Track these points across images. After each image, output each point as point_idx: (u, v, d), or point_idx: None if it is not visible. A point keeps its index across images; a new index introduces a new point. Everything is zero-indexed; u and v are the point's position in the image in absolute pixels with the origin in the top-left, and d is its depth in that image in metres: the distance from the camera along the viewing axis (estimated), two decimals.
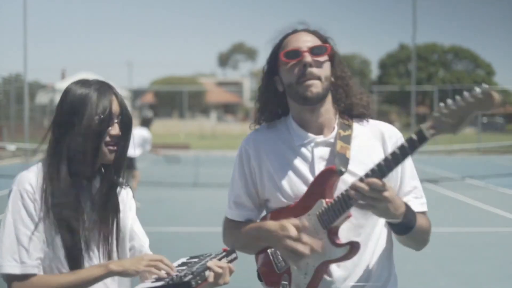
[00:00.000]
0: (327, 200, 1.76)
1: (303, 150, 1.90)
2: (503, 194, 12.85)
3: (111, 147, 1.80)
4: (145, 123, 10.96)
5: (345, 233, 1.81)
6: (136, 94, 76.39)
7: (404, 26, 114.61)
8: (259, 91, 2.00)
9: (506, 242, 7.87)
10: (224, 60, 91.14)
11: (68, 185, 1.78)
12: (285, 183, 1.88)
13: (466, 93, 1.42)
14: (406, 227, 1.73)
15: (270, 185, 1.91)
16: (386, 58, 58.49)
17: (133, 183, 10.25)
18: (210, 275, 1.69)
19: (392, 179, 1.84)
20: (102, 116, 1.77)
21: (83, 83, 1.83)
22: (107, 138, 1.79)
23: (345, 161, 1.79)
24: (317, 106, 1.87)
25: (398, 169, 1.79)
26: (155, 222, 8.79)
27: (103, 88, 1.82)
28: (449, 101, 1.45)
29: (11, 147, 19.92)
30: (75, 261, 1.78)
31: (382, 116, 54.37)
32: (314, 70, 1.84)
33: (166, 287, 1.65)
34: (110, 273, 1.73)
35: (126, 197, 1.95)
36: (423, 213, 1.89)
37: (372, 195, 1.62)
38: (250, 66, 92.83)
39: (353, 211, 1.76)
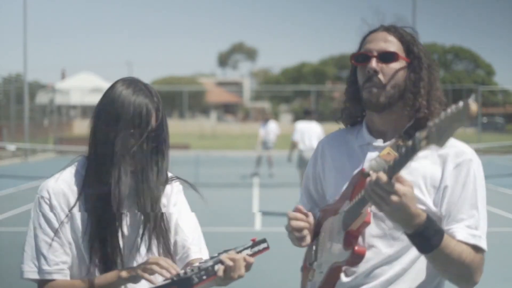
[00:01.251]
0: (351, 200, 1.73)
1: (359, 151, 1.85)
2: (503, 194, 12.86)
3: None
4: None
5: (376, 242, 1.74)
6: None
7: (404, 26, 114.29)
8: (346, 84, 1.94)
9: (506, 242, 7.88)
10: (224, 60, 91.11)
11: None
12: (331, 182, 1.89)
13: (452, 106, 1.40)
14: (424, 244, 1.58)
15: (324, 183, 1.94)
16: None
17: None
18: (219, 269, 1.62)
19: (448, 202, 1.71)
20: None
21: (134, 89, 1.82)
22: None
23: (381, 166, 1.65)
24: (383, 113, 1.79)
25: (458, 190, 1.70)
26: None
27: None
28: (442, 113, 1.41)
29: (11, 147, 19.93)
30: (109, 262, 1.79)
31: None
32: (378, 78, 1.76)
33: (168, 285, 1.63)
34: (121, 280, 1.75)
35: (170, 192, 1.90)
36: (473, 247, 1.67)
37: (377, 191, 1.50)
38: (250, 66, 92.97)
39: (387, 221, 1.71)
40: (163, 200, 1.86)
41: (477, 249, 1.67)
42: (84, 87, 46.59)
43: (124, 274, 1.73)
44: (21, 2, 22.61)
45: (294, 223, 1.82)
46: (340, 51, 61.09)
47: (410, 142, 1.42)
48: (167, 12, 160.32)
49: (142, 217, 1.80)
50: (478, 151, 13.92)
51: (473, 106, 1.31)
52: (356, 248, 1.66)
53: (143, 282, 1.77)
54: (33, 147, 21.72)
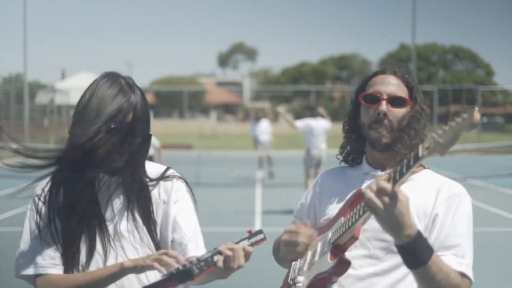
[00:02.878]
0: (344, 217, 1.76)
1: (357, 180, 1.93)
2: (503, 194, 12.87)
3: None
4: None
5: (358, 261, 1.79)
6: None
7: (404, 26, 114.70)
8: (346, 117, 2.03)
9: (506, 242, 7.89)
10: (224, 60, 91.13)
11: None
12: (326, 206, 1.95)
13: (456, 118, 1.44)
14: (413, 258, 1.60)
15: (319, 209, 2.01)
16: (387, 58, 58.53)
17: None
18: (219, 259, 1.62)
19: (437, 230, 1.79)
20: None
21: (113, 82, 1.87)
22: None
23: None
24: (389, 153, 1.89)
25: (448, 219, 1.79)
26: None
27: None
28: (448, 125, 1.44)
29: (11, 147, 19.94)
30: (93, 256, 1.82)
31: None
32: (388, 121, 1.86)
33: (169, 278, 1.63)
34: (123, 270, 1.74)
35: (171, 189, 1.90)
36: (460, 273, 1.73)
37: (377, 196, 1.54)
38: (250, 66, 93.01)
39: (371, 242, 1.79)
40: (163, 197, 1.88)
41: (463, 276, 1.73)
42: (84, 87, 46.48)
43: (127, 263, 1.73)
44: (21, 2, 22.63)
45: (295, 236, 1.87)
46: (340, 51, 61.45)
47: (413, 153, 1.48)
48: (167, 12, 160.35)
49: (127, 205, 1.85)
50: (479, 151, 14.00)
51: (477, 116, 1.37)
52: (341, 257, 1.68)
53: (144, 279, 1.80)
54: (33, 147, 21.73)
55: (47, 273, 1.79)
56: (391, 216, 1.53)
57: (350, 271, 1.73)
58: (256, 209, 10.51)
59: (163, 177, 1.90)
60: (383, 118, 1.85)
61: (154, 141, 11.21)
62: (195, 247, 1.87)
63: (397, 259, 1.70)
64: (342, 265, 1.68)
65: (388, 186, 1.51)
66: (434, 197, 1.81)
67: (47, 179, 1.87)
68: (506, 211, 10.14)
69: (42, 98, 30.97)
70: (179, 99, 47.94)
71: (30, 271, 1.80)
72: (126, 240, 1.83)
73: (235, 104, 68.40)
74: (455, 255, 1.75)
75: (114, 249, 1.82)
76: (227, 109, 67.74)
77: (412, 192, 1.71)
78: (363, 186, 1.84)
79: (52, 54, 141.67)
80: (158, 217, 1.87)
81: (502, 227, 8.85)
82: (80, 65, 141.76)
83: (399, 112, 1.86)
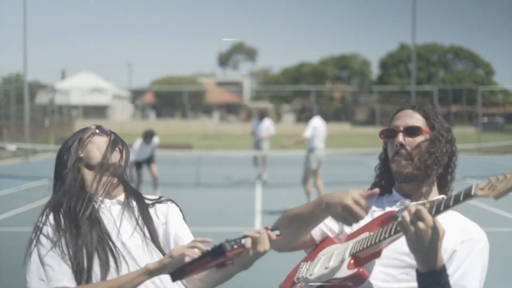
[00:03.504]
0: (372, 232, 1.78)
1: (387, 204, 1.97)
2: None
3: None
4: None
5: (372, 274, 1.80)
6: (136, 94, 76.47)
7: (404, 26, 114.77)
8: (379, 160, 2.09)
9: (506, 242, 7.90)
10: (224, 60, 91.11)
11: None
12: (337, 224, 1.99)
13: None
14: (431, 286, 1.64)
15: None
16: (387, 58, 58.52)
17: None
18: (247, 241, 1.70)
19: (451, 263, 1.80)
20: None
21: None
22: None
23: None
24: (413, 183, 1.93)
25: (465, 259, 1.80)
26: None
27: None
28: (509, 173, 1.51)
29: (12, 147, 19.94)
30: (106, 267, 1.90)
31: (383, 116, 54.47)
32: (405, 150, 1.91)
33: (203, 256, 1.69)
34: (149, 272, 1.81)
35: (167, 211, 2.15)
36: None
37: (413, 220, 1.58)
38: (250, 66, 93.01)
39: (390, 260, 1.78)
40: (162, 218, 2.11)
41: None
42: (84, 87, 46.62)
43: (151, 265, 1.80)
44: (21, 2, 22.63)
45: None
46: (340, 51, 61.40)
47: (464, 189, 1.56)
48: (167, 12, 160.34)
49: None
50: (479, 151, 13.97)
51: None
52: (360, 269, 1.69)
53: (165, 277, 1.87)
54: (33, 147, 21.73)
55: (64, 285, 1.83)
56: (422, 241, 1.58)
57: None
58: (256, 209, 10.51)
59: (158, 200, 2.17)
60: (400, 148, 1.92)
61: (156, 140, 11.29)
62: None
63: (411, 284, 1.74)
64: (359, 277, 1.69)
65: (425, 212, 1.57)
66: (456, 235, 1.84)
67: (45, 209, 1.98)
68: (506, 211, 10.16)
69: (42, 98, 30.97)
70: (179, 99, 47.95)
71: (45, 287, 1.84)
72: (137, 254, 1.95)
73: (236, 104, 68.38)
74: None
75: (126, 263, 1.91)
76: (230, 109, 67.74)
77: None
78: (396, 209, 1.89)
79: (52, 54, 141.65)
80: (159, 236, 2.06)
81: (502, 227, 8.87)
82: (80, 65, 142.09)
83: (415, 140, 1.92)
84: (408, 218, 1.57)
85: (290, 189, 12.66)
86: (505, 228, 8.86)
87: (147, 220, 2.04)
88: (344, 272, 1.71)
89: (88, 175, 2.02)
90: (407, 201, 1.93)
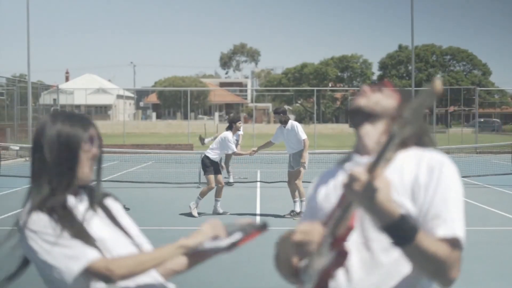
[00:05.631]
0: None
1: (345, 169, 1.93)
2: (499, 192, 12.98)
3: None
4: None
5: (358, 269, 1.77)
6: (140, 94, 76.58)
7: (403, 28, 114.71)
8: None
9: (502, 240, 7.98)
10: (226, 61, 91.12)
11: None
12: (317, 199, 1.96)
13: (421, 92, 1.50)
14: (398, 238, 1.60)
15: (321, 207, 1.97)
16: (387, 59, 58.45)
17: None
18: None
19: (424, 200, 1.75)
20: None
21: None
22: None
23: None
24: (360, 129, 1.92)
25: (431, 186, 1.75)
26: (159, 222, 8.92)
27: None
28: (413, 101, 1.51)
29: (15, 147, 20.08)
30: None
31: None
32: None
33: (250, 231, 1.89)
34: (184, 247, 1.88)
35: (116, 204, 2.10)
36: (450, 243, 1.68)
37: (353, 186, 1.55)
38: (252, 67, 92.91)
39: (365, 224, 1.76)
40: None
41: (454, 245, 1.68)
42: (88, 88, 46.71)
43: (186, 242, 1.88)
44: (25, 4, 22.79)
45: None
46: (341, 53, 61.28)
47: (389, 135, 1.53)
48: (170, 14, 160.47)
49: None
50: (475, 151, 14.09)
51: (439, 84, 1.45)
52: (339, 248, 1.68)
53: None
54: None
55: (97, 257, 1.79)
56: (364, 202, 1.56)
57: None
58: (256, 209, 10.61)
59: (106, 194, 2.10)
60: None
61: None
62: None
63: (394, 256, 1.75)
64: (341, 255, 1.68)
65: (358, 173, 1.53)
66: (415, 168, 1.79)
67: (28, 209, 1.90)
68: (502, 210, 10.24)
69: (46, 98, 31.09)
70: (182, 99, 47.99)
71: (80, 265, 1.78)
72: (113, 247, 1.91)
73: (238, 104, 68.38)
74: (444, 222, 1.71)
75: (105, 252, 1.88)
76: (231, 109, 67.76)
77: (394, 173, 1.75)
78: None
79: (56, 56, 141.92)
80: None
81: (499, 226, 8.95)
82: (84, 66, 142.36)
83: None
84: (345, 182, 1.55)
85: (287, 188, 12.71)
86: (501, 226, 8.93)
87: (110, 215, 2.00)
88: (328, 257, 1.71)
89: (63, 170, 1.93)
90: (365, 158, 1.87)
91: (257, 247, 8.08)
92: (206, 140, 13.75)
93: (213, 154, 9.98)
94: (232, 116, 10.91)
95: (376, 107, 1.90)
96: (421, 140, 1.90)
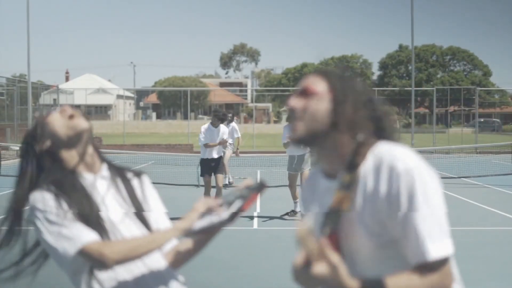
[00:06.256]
0: None
1: (325, 198, 1.64)
2: (499, 192, 12.98)
3: None
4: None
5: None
6: (140, 94, 76.60)
7: (404, 27, 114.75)
8: None
9: (502, 240, 7.97)
10: (226, 61, 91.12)
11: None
12: (306, 202, 1.85)
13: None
14: None
15: None
16: (387, 59, 58.47)
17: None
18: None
19: (391, 209, 1.48)
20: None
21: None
22: None
23: (336, 219, 1.51)
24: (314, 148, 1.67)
25: (393, 206, 1.47)
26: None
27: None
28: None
29: (15, 147, 20.09)
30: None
31: None
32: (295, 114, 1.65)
33: (249, 194, 1.82)
34: (179, 230, 1.82)
35: (144, 183, 2.09)
36: (422, 267, 1.44)
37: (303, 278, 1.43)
38: (252, 67, 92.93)
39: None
40: (139, 191, 2.09)
41: (431, 268, 1.44)
42: (88, 88, 46.73)
43: (181, 224, 1.83)
44: (25, 4, 22.80)
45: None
46: (341, 53, 61.33)
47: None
48: (170, 14, 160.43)
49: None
50: (475, 151, 14.04)
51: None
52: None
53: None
54: None
55: (92, 240, 1.77)
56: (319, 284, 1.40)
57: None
58: (255, 208, 10.61)
59: (136, 172, 2.13)
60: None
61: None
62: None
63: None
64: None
65: (299, 260, 1.40)
66: (374, 180, 1.51)
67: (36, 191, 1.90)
68: (502, 210, 10.23)
69: (46, 98, 31.10)
70: (182, 99, 47.99)
71: (74, 247, 1.75)
72: (124, 230, 1.91)
73: (238, 104, 68.40)
74: (412, 246, 1.46)
75: (115, 235, 1.87)
76: (230, 110, 67.81)
77: (360, 195, 1.53)
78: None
79: (56, 56, 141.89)
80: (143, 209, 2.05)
81: (499, 226, 8.94)
82: (84, 66, 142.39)
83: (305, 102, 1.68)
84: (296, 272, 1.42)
85: (287, 188, 12.71)
86: (501, 226, 8.93)
87: (132, 194, 1.98)
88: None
89: (64, 154, 1.94)
90: (332, 183, 1.63)
91: (257, 247, 8.08)
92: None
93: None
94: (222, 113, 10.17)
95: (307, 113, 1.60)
96: (379, 130, 1.60)
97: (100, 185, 1.93)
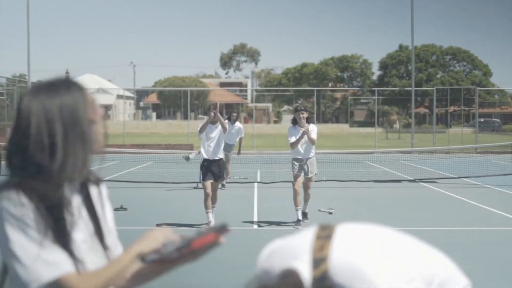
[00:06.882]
0: None
1: None
2: (499, 192, 12.98)
3: None
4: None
5: None
6: (140, 94, 76.61)
7: (404, 27, 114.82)
8: None
9: (502, 240, 7.98)
10: (226, 61, 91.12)
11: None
12: None
13: None
14: None
15: None
16: (387, 59, 58.47)
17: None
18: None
19: None
20: None
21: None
22: None
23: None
24: None
25: None
26: (158, 222, 8.91)
27: None
28: None
29: None
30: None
31: (384, 116, 54.42)
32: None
33: (207, 232, 1.63)
34: (140, 257, 1.62)
35: (103, 192, 1.84)
36: None
37: None
38: (252, 67, 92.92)
39: None
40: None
41: None
42: (87, 88, 46.70)
43: (136, 248, 1.62)
44: (25, 4, 22.83)
45: None
46: (341, 53, 61.30)
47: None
48: (170, 14, 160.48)
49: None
50: (476, 151, 14.05)
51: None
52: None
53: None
54: None
55: (70, 272, 1.56)
56: None
57: None
58: (254, 208, 10.61)
59: (100, 179, 1.89)
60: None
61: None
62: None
63: None
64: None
65: None
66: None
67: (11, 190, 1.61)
68: (502, 210, 10.24)
69: None
70: (182, 99, 48.02)
71: (55, 272, 1.53)
72: (84, 254, 1.67)
73: (238, 104, 68.42)
74: None
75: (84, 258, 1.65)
76: (230, 109, 67.83)
77: None
78: None
79: (56, 56, 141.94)
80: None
81: (499, 226, 8.95)
82: (84, 66, 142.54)
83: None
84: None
85: (289, 188, 12.72)
86: (501, 226, 8.93)
87: (92, 211, 1.73)
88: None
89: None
90: None
91: (257, 247, 8.08)
92: (191, 156, 13.02)
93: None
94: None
95: None
96: None
97: (75, 200, 1.68)
